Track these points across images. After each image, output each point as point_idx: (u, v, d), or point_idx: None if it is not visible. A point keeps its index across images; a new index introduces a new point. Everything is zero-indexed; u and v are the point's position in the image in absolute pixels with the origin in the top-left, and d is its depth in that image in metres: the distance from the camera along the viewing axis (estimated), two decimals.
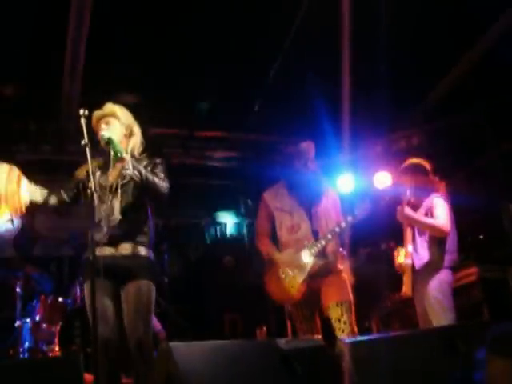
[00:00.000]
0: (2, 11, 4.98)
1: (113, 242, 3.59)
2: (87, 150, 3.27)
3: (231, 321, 7.29)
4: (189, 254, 8.10)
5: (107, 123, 3.74)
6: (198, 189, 7.89)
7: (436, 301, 4.34)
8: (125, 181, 3.66)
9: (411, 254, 4.54)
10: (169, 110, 6.55)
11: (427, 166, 4.72)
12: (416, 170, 4.70)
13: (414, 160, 4.79)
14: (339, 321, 4.16)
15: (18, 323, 6.06)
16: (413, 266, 4.52)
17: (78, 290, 6.25)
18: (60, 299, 6.22)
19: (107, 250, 3.56)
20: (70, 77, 5.83)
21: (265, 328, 6.39)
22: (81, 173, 3.77)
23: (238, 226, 8.70)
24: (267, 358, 2.58)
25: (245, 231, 8.65)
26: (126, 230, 3.61)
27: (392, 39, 5.17)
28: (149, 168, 3.72)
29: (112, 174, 3.71)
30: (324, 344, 2.93)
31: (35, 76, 5.87)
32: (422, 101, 6.61)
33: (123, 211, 3.62)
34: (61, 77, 5.86)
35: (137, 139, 3.86)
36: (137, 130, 3.87)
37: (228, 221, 8.70)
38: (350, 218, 4.27)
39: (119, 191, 3.64)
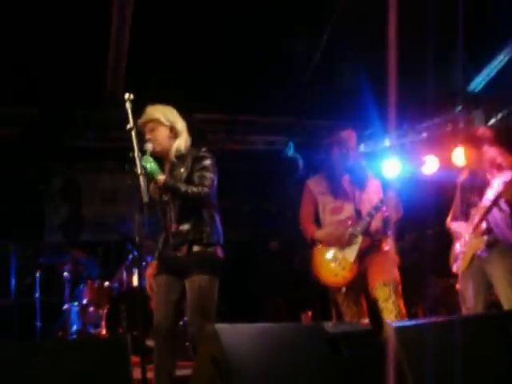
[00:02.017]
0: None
1: (174, 247, 3.71)
2: (132, 134, 3.30)
3: (275, 305, 7.30)
4: (233, 239, 8.14)
5: (151, 130, 3.74)
6: (241, 174, 7.89)
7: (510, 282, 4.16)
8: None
9: (485, 229, 4.27)
10: (212, 95, 6.55)
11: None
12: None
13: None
14: (387, 301, 4.10)
15: (66, 307, 6.23)
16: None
17: (125, 274, 6.34)
18: (106, 283, 6.35)
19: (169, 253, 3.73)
20: (114, 64, 5.88)
21: (310, 313, 6.38)
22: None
23: (284, 210, 8.67)
24: (314, 342, 2.56)
25: (290, 216, 8.62)
26: (184, 233, 3.69)
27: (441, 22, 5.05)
28: (194, 166, 3.74)
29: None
30: (371, 328, 2.89)
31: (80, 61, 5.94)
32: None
33: (178, 220, 3.71)
34: (106, 64, 5.92)
35: (182, 138, 3.83)
36: (181, 127, 3.84)
37: (273, 206, 8.68)
38: (391, 194, 4.22)
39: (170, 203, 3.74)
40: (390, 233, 4.38)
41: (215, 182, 3.76)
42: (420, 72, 5.52)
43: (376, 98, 5.64)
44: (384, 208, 4.28)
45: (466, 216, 4.37)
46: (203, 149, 3.83)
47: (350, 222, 4.32)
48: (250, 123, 7.47)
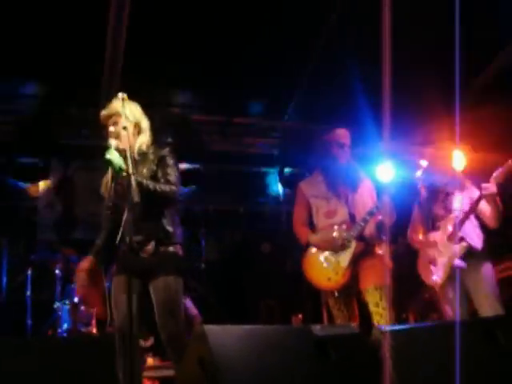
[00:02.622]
0: None
1: (137, 245, 3.62)
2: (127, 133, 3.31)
3: (267, 307, 7.30)
4: (226, 240, 8.13)
5: (114, 123, 3.69)
6: (236, 175, 7.91)
7: (492, 289, 4.26)
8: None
9: (458, 237, 4.39)
10: (208, 96, 6.56)
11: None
12: None
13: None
14: (377, 305, 4.12)
15: (56, 305, 6.19)
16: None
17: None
18: None
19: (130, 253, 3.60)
20: (110, 64, 5.89)
21: (301, 315, 6.38)
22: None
23: (276, 212, 8.68)
24: (302, 344, 2.57)
25: (283, 218, 8.63)
26: (148, 232, 3.63)
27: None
28: (159, 165, 3.71)
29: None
30: (360, 331, 2.90)
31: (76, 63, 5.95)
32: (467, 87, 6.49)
33: (140, 218, 3.57)
34: (102, 64, 5.93)
35: (145, 136, 3.81)
36: (145, 125, 3.82)
37: (266, 208, 8.69)
38: (386, 198, 4.23)
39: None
40: (383, 237, 4.38)
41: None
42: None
43: (370, 101, 5.67)
44: (378, 213, 4.28)
45: (432, 228, 4.57)
46: (166, 148, 3.80)
47: (344, 227, 4.32)
48: (245, 125, 7.49)
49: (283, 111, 7.07)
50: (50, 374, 2.38)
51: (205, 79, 6.26)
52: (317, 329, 2.66)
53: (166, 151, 3.77)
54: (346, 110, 6.24)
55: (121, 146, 3.61)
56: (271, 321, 6.91)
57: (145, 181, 3.55)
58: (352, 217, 4.35)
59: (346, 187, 4.44)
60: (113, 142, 3.59)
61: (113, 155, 3.47)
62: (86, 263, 3.79)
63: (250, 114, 7.32)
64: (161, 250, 3.62)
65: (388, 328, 2.86)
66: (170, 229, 3.67)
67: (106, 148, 3.52)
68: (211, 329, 2.47)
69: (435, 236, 4.51)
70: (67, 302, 6.13)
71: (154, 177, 3.66)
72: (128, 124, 3.62)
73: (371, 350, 2.69)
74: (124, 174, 3.42)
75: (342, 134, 4.47)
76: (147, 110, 3.88)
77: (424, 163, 5.78)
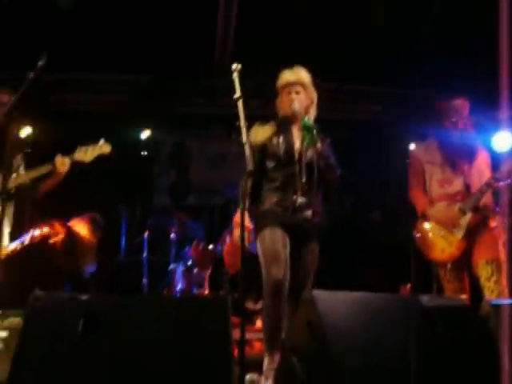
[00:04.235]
0: None
1: (299, 207, 3.76)
2: (239, 103, 3.40)
3: (376, 275, 7.30)
4: (336, 207, 8.14)
5: (297, 92, 3.84)
6: (344, 144, 7.86)
7: None
8: (310, 156, 3.78)
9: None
10: (315, 63, 6.54)
11: None
12: None
13: None
14: (489, 280, 4.05)
15: (171, 267, 6.51)
16: None
17: (228, 238, 6.51)
18: (210, 246, 6.56)
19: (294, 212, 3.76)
20: (223, 29, 6.02)
21: (409, 285, 6.33)
22: (261, 137, 3.85)
23: (385, 184, 8.58)
24: (408, 314, 2.59)
25: (393, 189, 8.52)
26: (311, 199, 3.78)
27: None
28: (324, 143, 3.84)
29: (297, 143, 3.84)
30: (469, 304, 2.89)
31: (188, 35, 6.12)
32: None
33: (302, 180, 3.75)
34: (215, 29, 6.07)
35: (314, 110, 3.96)
36: (316, 101, 3.96)
37: (377, 175, 8.61)
38: (505, 168, 4.12)
39: (303, 162, 3.77)
40: (498, 209, 4.29)
41: None
42: None
43: (487, 68, 5.47)
44: (495, 184, 4.18)
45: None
46: (328, 138, 3.97)
47: (458, 197, 4.26)
48: (353, 92, 7.43)
49: (394, 77, 6.94)
50: (163, 330, 2.51)
51: (315, 48, 6.26)
52: (425, 299, 2.66)
53: (329, 139, 3.95)
54: (463, 77, 6.05)
55: (300, 111, 3.80)
56: (379, 289, 6.90)
57: (331, 160, 3.81)
58: (467, 187, 4.28)
59: (463, 157, 4.36)
60: (296, 106, 3.77)
61: (312, 123, 3.70)
62: (245, 218, 3.62)
63: (362, 80, 7.24)
64: (314, 218, 3.79)
65: (499, 302, 2.83)
66: (320, 203, 3.86)
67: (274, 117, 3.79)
68: (320, 294, 2.55)
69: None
70: (181, 264, 6.41)
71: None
72: (306, 95, 3.87)
73: (480, 323, 2.67)
74: (317, 144, 3.66)
75: (461, 104, 4.38)
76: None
77: None
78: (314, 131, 3.61)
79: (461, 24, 5.77)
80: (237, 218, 3.71)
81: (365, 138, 7.91)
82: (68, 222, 5.44)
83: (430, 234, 4.30)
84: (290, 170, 3.76)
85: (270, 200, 3.77)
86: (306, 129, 3.64)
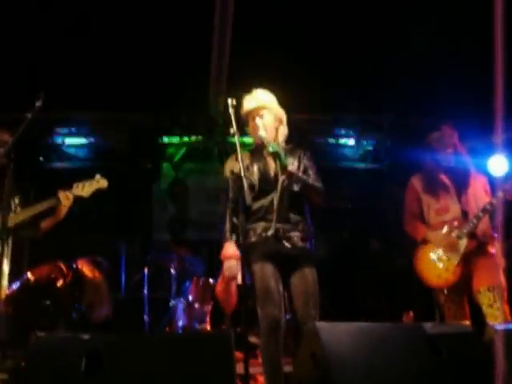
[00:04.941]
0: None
1: (283, 234, 3.72)
2: (236, 138, 3.42)
3: (377, 305, 7.27)
4: (335, 237, 8.14)
5: (260, 116, 3.84)
6: (341, 173, 7.92)
7: None
8: (284, 181, 3.76)
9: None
10: (311, 95, 6.60)
11: None
12: None
13: None
14: (491, 306, 4.03)
15: (172, 303, 6.46)
16: None
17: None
18: (211, 280, 6.52)
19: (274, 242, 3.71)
20: (217, 67, 6.09)
21: (411, 313, 6.31)
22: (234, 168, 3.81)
23: (384, 209, 8.60)
24: (413, 342, 2.59)
25: (391, 214, 8.54)
26: (295, 223, 3.75)
27: None
28: (306, 161, 3.86)
29: (271, 169, 3.83)
30: (473, 330, 2.87)
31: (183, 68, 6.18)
32: None
33: (283, 206, 3.73)
34: (208, 67, 6.13)
35: (285, 129, 3.96)
36: (285, 119, 3.96)
37: (373, 204, 8.63)
38: (500, 195, 4.12)
39: (278, 188, 3.76)
40: (496, 235, 4.29)
41: None
42: None
43: (480, 93, 5.53)
44: (492, 210, 4.19)
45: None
46: (307, 151, 3.97)
47: (455, 224, 4.26)
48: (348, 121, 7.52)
49: (389, 106, 7.02)
50: (168, 366, 2.50)
51: (310, 77, 6.31)
52: (428, 326, 2.66)
53: (309, 152, 3.95)
54: (454, 103, 6.11)
55: (267, 137, 3.79)
56: (382, 318, 6.87)
57: (300, 174, 3.76)
58: (464, 214, 4.29)
59: (458, 183, 4.37)
60: (262, 133, 3.76)
61: (278, 147, 3.68)
62: (233, 248, 3.72)
63: (352, 110, 7.32)
64: (302, 242, 3.74)
65: (502, 327, 2.82)
66: (307, 223, 3.82)
67: (246, 144, 3.73)
68: (323, 325, 2.55)
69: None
70: (182, 300, 6.38)
71: (304, 171, 3.83)
72: (271, 117, 3.86)
73: (484, 349, 2.66)
74: (287, 166, 3.63)
75: (447, 133, 4.41)
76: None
77: None
78: (282, 155, 3.61)
79: (450, 45, 5.85)
80: (224, 250, 3.76)
81: (363, 168, 7.98)
82: (74, 263, 5.44)
83: (427, 259, 4.31)
84: (270, 198, 3.74)
85: (255, 232, 3.74)
86: (272, 154, 3.66)
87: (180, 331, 6.22)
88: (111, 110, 7.11)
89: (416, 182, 4.54)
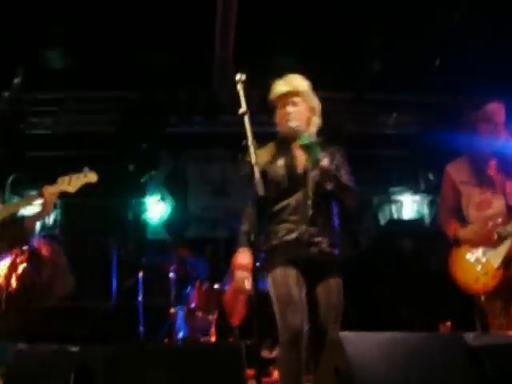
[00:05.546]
0: None
1: (308, 238, 3.71)
2: (246, 119, 3.41)
3: (409, 314, 7.27)
4: (359, 237, 8.14)
5: (293, 104, 3.82)
6: (368, 161, 7.89)
7: None
8: (316, 178, 3.73)
9: None
10: (332, 71, 6.59)
11: None
12: None
13: None
14: None
15: (171, 311, 6.47)
16: None
17: (228, 284, 6.45)
18: (216, 286, 6.54)
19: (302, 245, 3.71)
20: (221, 39, 6.08)
21: (449, 323, 6.30)
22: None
23: (418, 204, 8.60)
24: (451, 354, 2.58)
25: (426, 210, 8.55)
26: (323, 227, 3.73)
27: None
28: (338, 159, 3.83)
29: (300, 164, 3.79)
30: None
31: (184, 41, 6.19)
32: None
33: (310, 207, 3.71)
34: (212, 40, 6.13)
35: (317, 120, 3.92)
36: (319, 109, 3.93)
37: (405, 198, 8.64)
38: None
39: (310, 185, 3.73)
40: None
41: None
42: None
43: None
44: None
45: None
46: (341, 148, 3.93)
47: (499, 220, 4.24)
48: (378, 102, 7.49)
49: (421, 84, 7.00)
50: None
51: (329, 52, 6.31)
52: (469, 337, 2.66)
53: (342, 149, 3.91)
54: (494, 78, 6.10)
55: (299, 127, 3.76)
56: (414, 328, 6.87)
57: (341, 179, 3.72)
58: (510, 209, 4.27)
59: (502, 173, 4.35)
60: (293, 123, 3.74)
61: (312, 139, 3.66)
62: (247, 257, 3.65)
63: (384, 88, 7.29)
64: (330, 248, 3.73)
65: None
66: (336, 228, 3.81)
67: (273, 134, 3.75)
68: (347, 336, 2.55)
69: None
70: (183, 308, 6.39)
71: (336, 170, 3.79)
72: (304, 105, 3.83)
73: None
74: (320, 161, 3.61)
75: (495, 110, 4.37)
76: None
77: None
78: (316, 149, 3.62)
79: (489, 21, 5.85)
80: (236, 257, 3.69)
81: (391, 154, 7.95)
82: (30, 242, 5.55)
83: (463, 260, 4.28)
84: (296, 197, 3.73)
85: (277, 234, 3.73)
86: (305, 147, 3.64)
87: (181, 343, 6.23)
88: (99, 88, 7.09)
89: (452, 171, 4.49)
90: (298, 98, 3.82)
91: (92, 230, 7.68)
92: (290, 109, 3.79)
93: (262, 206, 3.47)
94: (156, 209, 7.89)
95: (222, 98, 7.13)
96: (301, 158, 3.79)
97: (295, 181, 3.75)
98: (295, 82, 3.86)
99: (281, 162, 3.80)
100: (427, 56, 6.43)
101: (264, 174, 3.66)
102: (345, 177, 3.77)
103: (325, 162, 3.66)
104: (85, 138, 7.54)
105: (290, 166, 3.78)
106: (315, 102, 3.91)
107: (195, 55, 6.40)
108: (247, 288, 3.63)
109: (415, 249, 7.87)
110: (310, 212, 3.69)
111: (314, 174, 3.70)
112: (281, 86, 3.85)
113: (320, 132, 3.94)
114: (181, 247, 7.05)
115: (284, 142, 3.88)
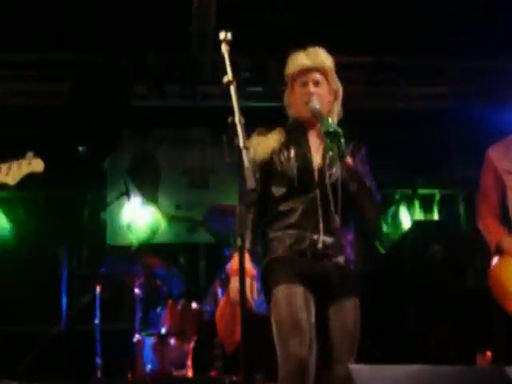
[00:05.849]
0: None
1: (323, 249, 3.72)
2: (232, 89, 3.41)
3: (439, 341, 7.30)
4: (377, 243, 8.18)
5: (315, 83, 3.83)
6: (388, 144, 7.91)
7: None
8: (336, 176, 3.72)
9: None
10: (339, 32, 6.61)
11: None
12: None
13: None
14: None
15: (136, 338, 6.46)
16: None
17: (220, 291, 6.46)
18: (194, 305, 6.53)
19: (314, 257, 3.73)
20: None
21: (489, 353, 6.34)
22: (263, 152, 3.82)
23: (450, 199, 8.62)
24: None
25: (461, 209, 8.58)
26: (338, 236, 3.74)
27: None
28: (356, 155, 3.85)
29: (317, 157, 3.82)
30: None
31: None
32: None
33: (326, 210, 3.72)
34: None
35: (339, 107, 3.96)
36: (341, 93, 3.96)
37: (434, 192, 8.66)
38: None
39: (328, 183, 3.73)
40: None
41: None
42: None
43: None
44: None
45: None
46: (361, 145, 3.97)
47: None
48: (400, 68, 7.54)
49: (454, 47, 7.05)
50: None
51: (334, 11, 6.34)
52: None
53: (364, 148, 3.95)
54: None
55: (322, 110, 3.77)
56: (445, 360, 6.90)
57: (367, 181, 3.76)
58: None
59: None
60: (315, 103, 3.74)
61: (338, 128, 3.60)
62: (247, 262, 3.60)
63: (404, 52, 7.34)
64: (347, 263, 3.75)
65: None
66: (353, 242, 3.82)
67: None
68: (359, 369, 2.57)
69: None
70: (151, 334, 6.38)
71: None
72: (327, 87, 3.86)
73: None
74: (346, 157, 3.59)
75: None
76: None
77: None
78: (342, 139, 3.61)
79: None
80: (234, 263, 3.66)
81: (417, 136, 7.97)
82: None
83: (506, 275, 4.31)
84: (309, 198, 3.73)
85: (282, 243, 3.73)
86: (329, 136, 3.60)
87: (149, 379, 6.23)
88: (41, 49, 7.07)
89: (495, 156, 4.50)
90: (321, 77, 3.84)
91: (36, 232, 7.66)
92: (312, 88, 3.80)
93: (259, 205, 3.50)
94: (141, 215, 7.87)
95: (201, 63, 7.13)
96: (317, 150, 3.83)
97: (308, 177, 3.75)
98: (320, 56, 3.88)
99: (292, 152, 3.81)
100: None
101: (268, 165, 3.76)
102: (368, 181, 3.79)
103: (350, 156, 3.68)
104: (25, 113, 7.51)
105: (304, 158, 3.80)
106: (338, 85, 3.94)
107: (168, 7, 6.40)
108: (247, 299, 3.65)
109: (447, 258, 7.89)
110: (327, 216, 3.71)
111: (334, 171, 3.70)
112: (303, 59, 3.86)
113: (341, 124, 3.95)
114: (149, 255, 7.04)
115: (297, 128, 3.91)
